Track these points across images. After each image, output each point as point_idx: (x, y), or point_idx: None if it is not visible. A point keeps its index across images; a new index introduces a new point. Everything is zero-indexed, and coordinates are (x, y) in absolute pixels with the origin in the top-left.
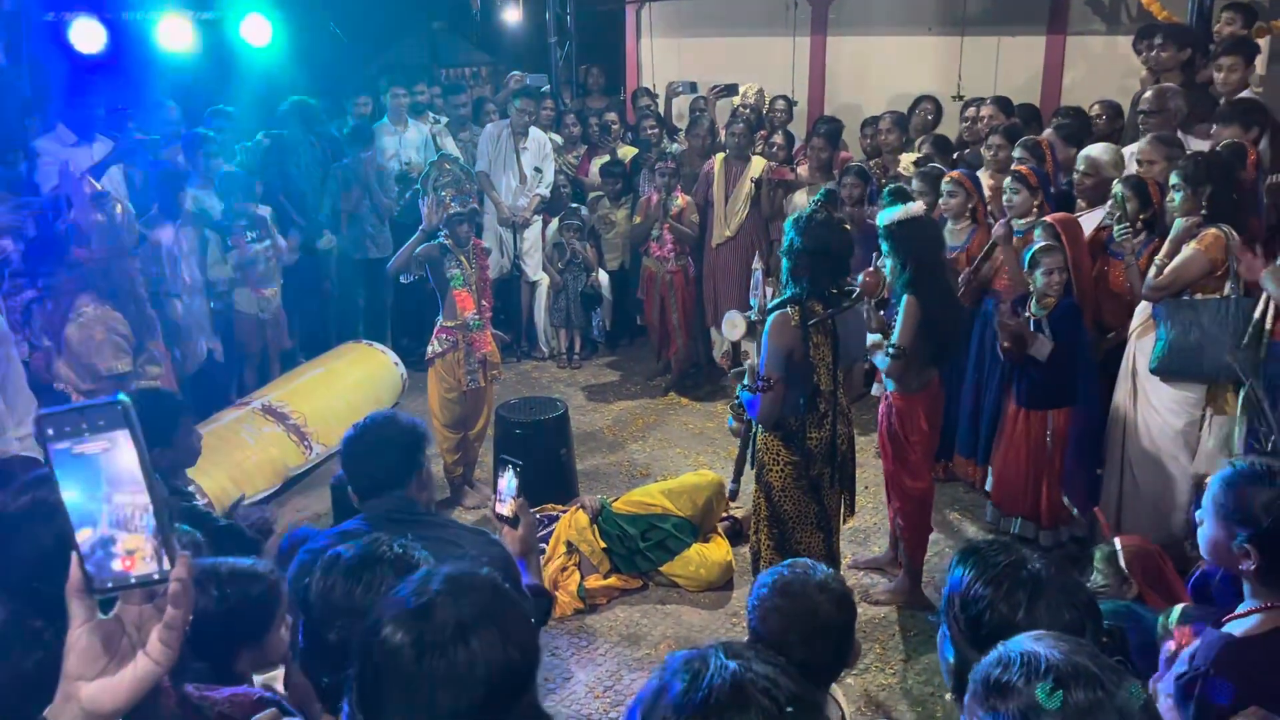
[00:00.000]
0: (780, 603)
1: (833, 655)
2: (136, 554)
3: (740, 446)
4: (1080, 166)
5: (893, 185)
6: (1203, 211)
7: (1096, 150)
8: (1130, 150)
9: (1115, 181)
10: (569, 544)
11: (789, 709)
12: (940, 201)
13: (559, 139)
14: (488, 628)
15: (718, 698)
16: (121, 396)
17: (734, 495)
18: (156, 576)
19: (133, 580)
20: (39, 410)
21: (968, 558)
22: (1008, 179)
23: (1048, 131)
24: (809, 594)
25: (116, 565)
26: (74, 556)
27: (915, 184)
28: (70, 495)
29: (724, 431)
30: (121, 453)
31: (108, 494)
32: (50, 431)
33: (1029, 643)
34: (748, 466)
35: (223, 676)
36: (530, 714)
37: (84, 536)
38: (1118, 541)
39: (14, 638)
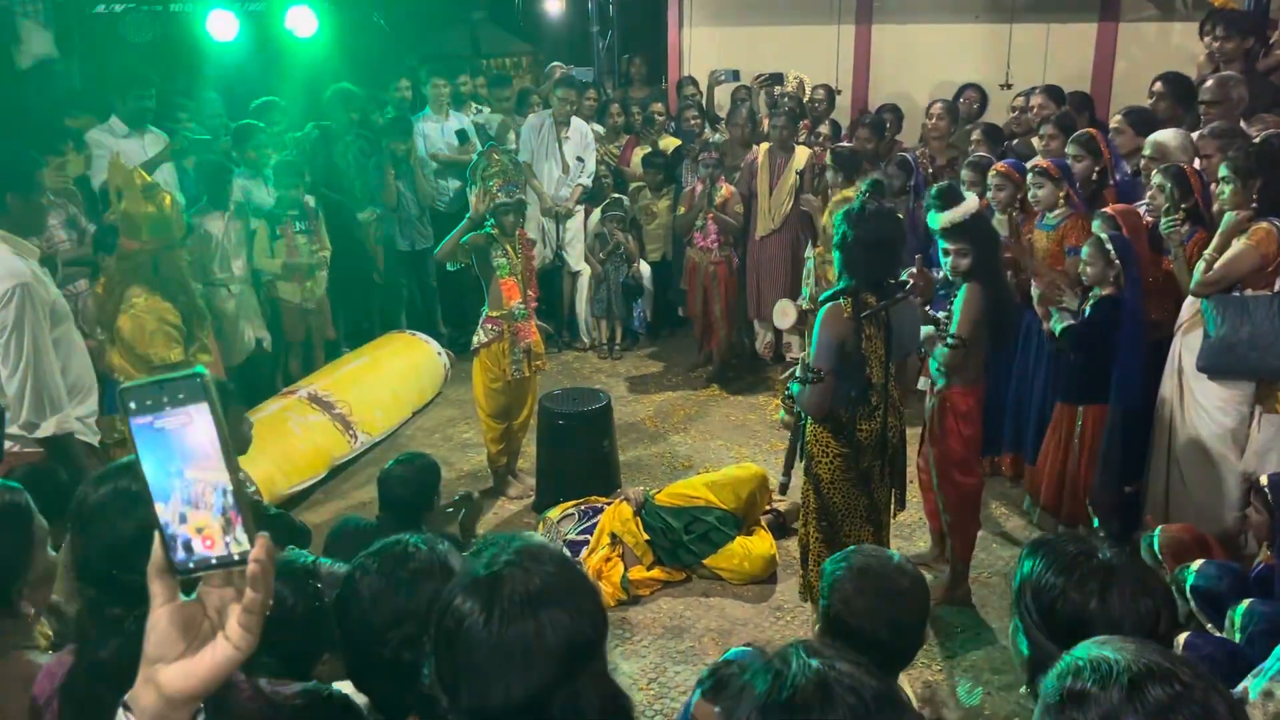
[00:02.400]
0: (863, 584)
1: (914, 637)
2: (212, 533)
3: (791, 439)
4: (1147, 151)
5: (939, 185)
6: (1253, 204)
7: (1164, 135)
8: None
9: (1155, 171)
10: (613, 535)
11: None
12: (988, 194)
13: (601, 129)
14: (556, 599)
15: (803, 697)
16: (201, 369)
17: (784, 489)
18: (237, 557)
19: (214, 561)
20: (121, 385)
21: (1037, 549)
22: (1030, 175)
23: (1117, 118)
24: (890, 576)
25: (197, 545)
26: (156, 536)
27: (966, 174)
28: (151, 472)
29: (766, 424)
30: (201, 428)
31: (188, 470)
32: (132, 405)
33: (1094, 648)
34: (796, 459)
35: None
36: (599, 681)
37: (164, 515)
38: (1159, 530)
39: (93, 625)
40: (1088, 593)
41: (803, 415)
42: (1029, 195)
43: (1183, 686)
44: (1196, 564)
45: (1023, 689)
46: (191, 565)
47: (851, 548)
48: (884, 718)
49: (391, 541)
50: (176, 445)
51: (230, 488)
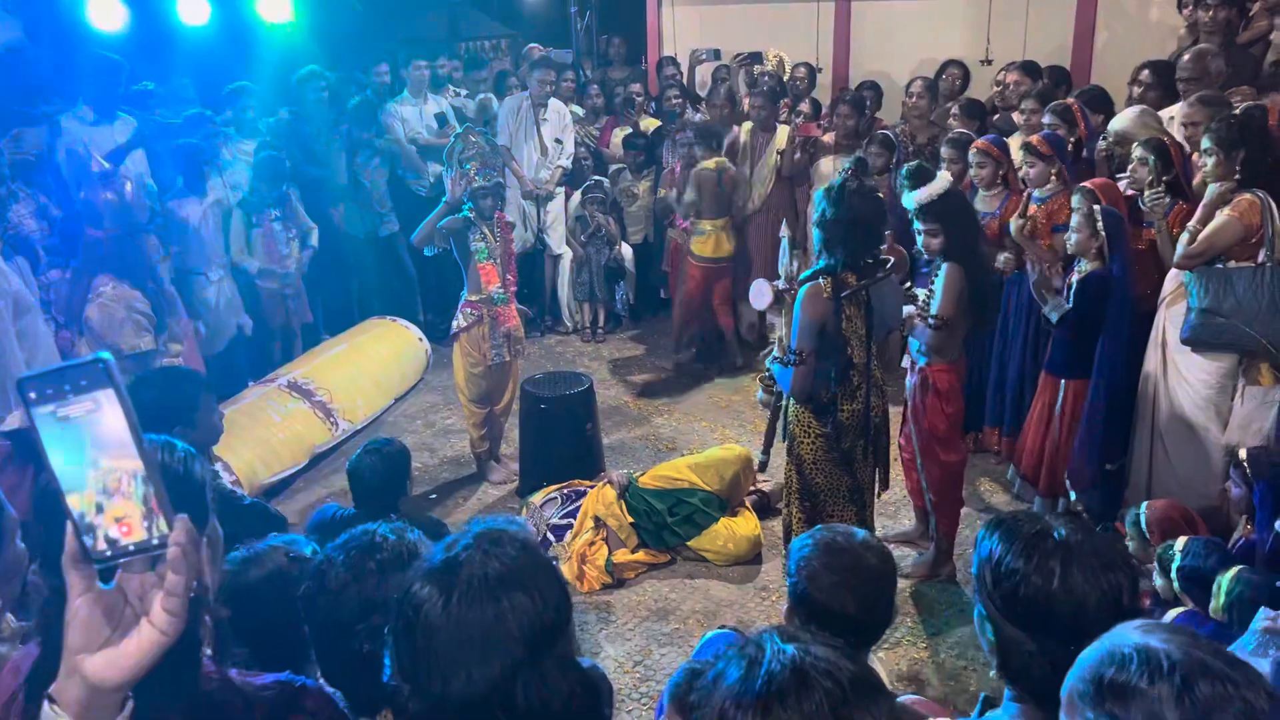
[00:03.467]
0: (830, 560)
1: (883, 612)
2: (132, 520)
3: (770, 418)
4: (1110, 139)
5: (909, 165)
6: (1236, 176)
7: (1124, 122)
8: (1170, 112)
9: (1135, 144)
10: (596, 518)
11: (852, 690)
12: (970, 171)
13: (580, 110)
14: (516, 582)
15: (779, 684)
16: (103, 354)
17: (763, 466)
18: (155, 543)
19: (131, 548)
20: (19, 374)
21: (994, 531)
22: (1021, 152)
23: (1070, 99)
24: (856, 552)
25: (114, 534)
26: (68, 526)
27: (945, 151)
28: (58, 462)
29: (750, 404)
30: (108, 414)
31: (97, 458)
32: (32, 395)
33: (1138, 635)
34: (778, 439)
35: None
36: (565, 666)
37: (76, 505)
38: (1144, 505)
39: (56, 614)
40: (1048, 574)
41: (783, 395)
42: (1020, 173)
43: (1232, 687)
44: (1181, 541)
45: (992, 673)
46: (109, 554)
47: (819, 526)
48: (861, 702)
49: (359, 532)
50: (87, 434)
51: (145, 473)
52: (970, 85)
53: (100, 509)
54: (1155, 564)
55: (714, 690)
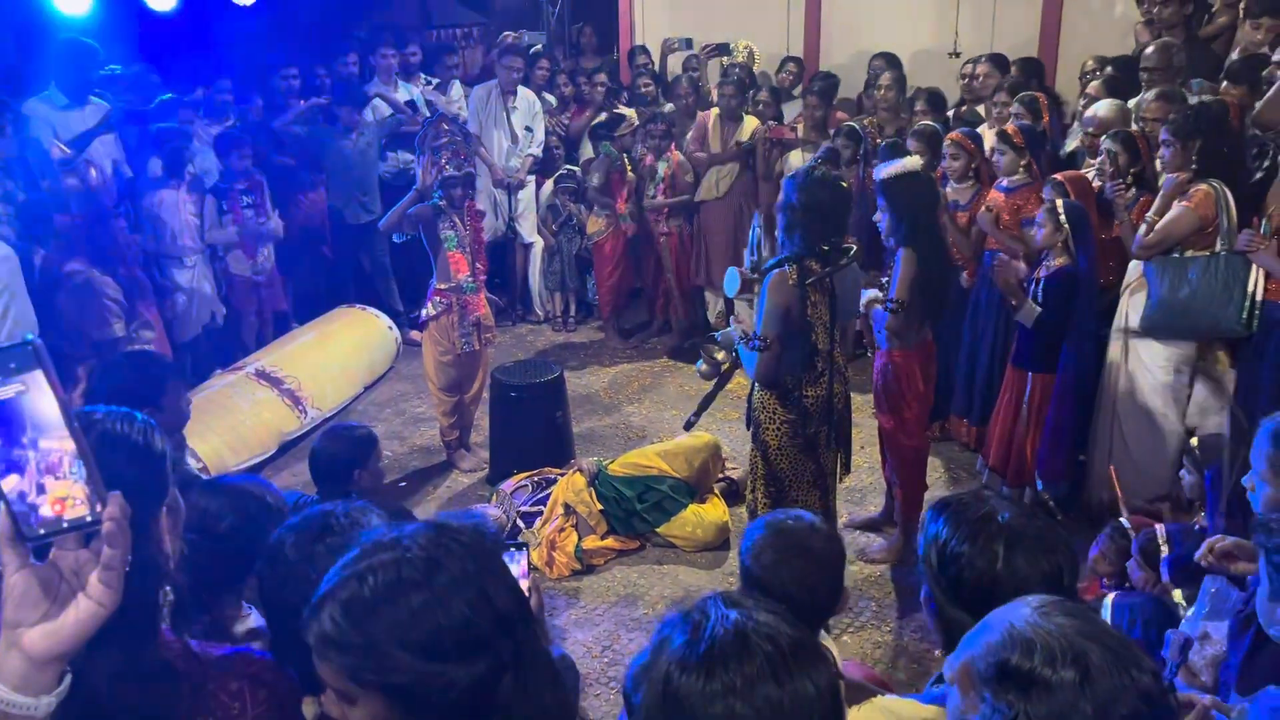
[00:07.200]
0: (775, 540)
1: (826, 593)
2: (67, 499)
3: (714, 388)
4: (1088, 128)
5: (888, 141)
6: (1193, 166)
7: (1102, 109)
8: (1133, 104)
9: (1104, 136)
10: (566, 506)
11: (792, 655)
12: (943, 163)
13: (553, 100)
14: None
15: (721, 647)
16: (31, 336)
17: (688, 426)
18: (89, 519)
19: (65, 525)
20: None
21: (940, 513)
22: (995, 140)
23: (1093, 85)
24: (801, 532)
25: (46, 511)
26: (2, 506)
27: (911, 143)
28: None
29: (721, 395)
30: (40, 396)
31: (33, 440)
32: None
33: (1037, 617)
34: (745, 426)
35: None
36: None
37: (11, 484)
38: (1125, 521)
39: None
40: (992, 557)
41: (721, 366)
42: (994, 160)
43: (1125, 669)
44: (1160, 529)
45: (938, 652)
46: (42, 531)
47: (775, 511)
48: (801, 666)
49: (315, 513)
50: (22, 416)
51: (80, 453)
52: (937, 78)
53: (42, 489)
54: (1138, 555)
55: (660, 655)
